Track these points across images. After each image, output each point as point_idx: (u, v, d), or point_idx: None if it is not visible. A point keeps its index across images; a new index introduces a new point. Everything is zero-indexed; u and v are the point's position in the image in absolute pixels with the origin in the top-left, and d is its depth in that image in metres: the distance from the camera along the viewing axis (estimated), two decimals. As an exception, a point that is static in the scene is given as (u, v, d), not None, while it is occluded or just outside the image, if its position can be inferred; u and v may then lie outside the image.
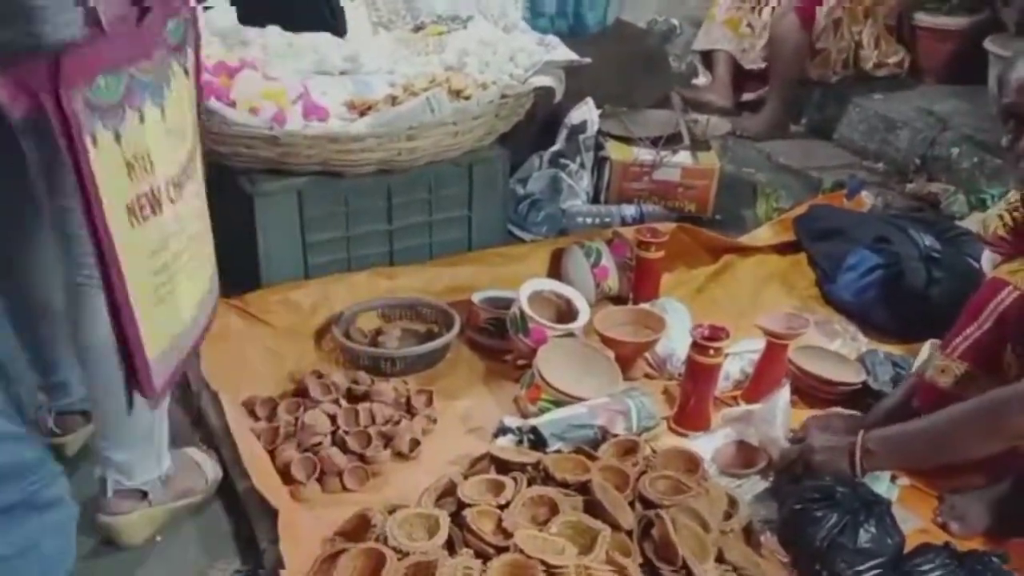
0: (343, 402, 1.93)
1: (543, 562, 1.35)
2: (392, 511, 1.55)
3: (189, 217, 1.43)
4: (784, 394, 1.80)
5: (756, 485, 1.75)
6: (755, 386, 1.99)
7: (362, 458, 1.79)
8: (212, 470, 1.76)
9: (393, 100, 2.28)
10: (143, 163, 1.12)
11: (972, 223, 2.64)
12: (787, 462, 1.69)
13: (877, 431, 1.60)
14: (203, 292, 1.58)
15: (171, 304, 1.37)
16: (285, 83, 2.32)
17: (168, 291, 1.26)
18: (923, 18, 3.61)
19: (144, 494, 1.63)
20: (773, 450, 1.75)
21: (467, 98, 2.26)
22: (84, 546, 1.58)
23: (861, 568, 1.46)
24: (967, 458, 1.59)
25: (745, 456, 1.81)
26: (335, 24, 1.53)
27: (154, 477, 1.63)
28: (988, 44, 3.28)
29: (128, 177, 1.09)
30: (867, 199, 2.85)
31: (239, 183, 2.16)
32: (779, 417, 1.76)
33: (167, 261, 1.28)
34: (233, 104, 2.15)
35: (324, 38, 2.57)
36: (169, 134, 1.30)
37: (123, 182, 1.08)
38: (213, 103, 2.08)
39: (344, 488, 1.76)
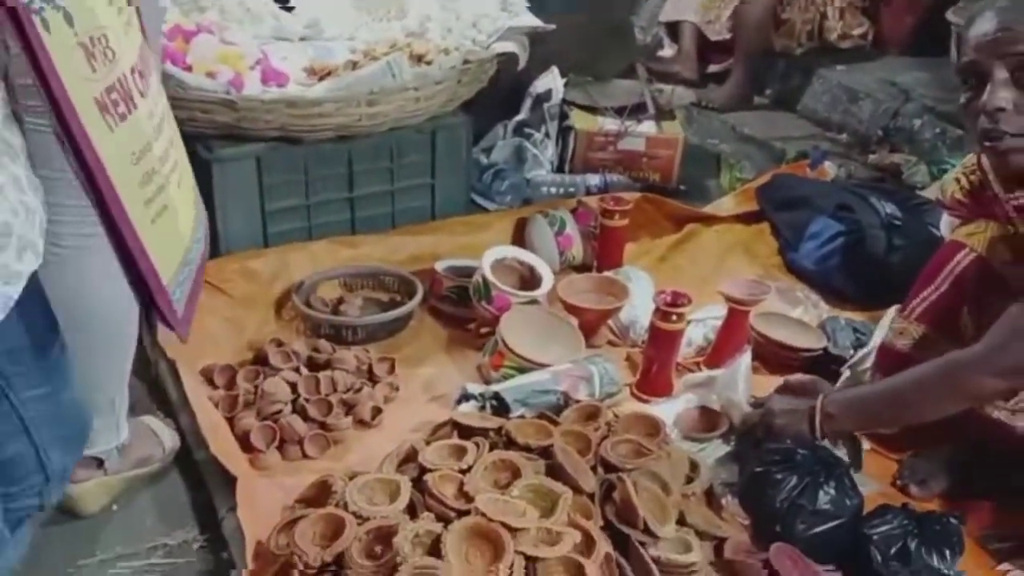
0: (304, 370, 1.91)
1: (504, 524, 1.34)
2: (353, 477, 1.53)
3: (160, 113, 1.24)
4: (745, 359, 1.80)
5: (718, 449, 1.75)
6: (717, 352, 1.99)
7: (323, 426, 1.78)
8: (169, 439, 1.74)
9: (354, 65, 2.24)
10: (102, 48, 0.94)
11: (933, 192, 2.66)
12: (748, 426, 1.69)
13: (837, 394, 1.60)
14: (194, 202, 1.41)
15: (169, 220, 1.19)
16: (243, 48, 2.28)
17: (162, 205, 1.10)
18: (887, -11, 3.62)
19: (100, 462, 1.60)
20: (735, 414, 1.75)
21: (429, 63, 2.23)
22: (38, 516, 1.55)
23: (820, 529, 1.47)
24: (927, 419, 1.59)
25: (707, 421, 1.81)
26: None
27: (112, 446, 1.60)
28: (950, 15, 3.28)
29: (90, 66, 0.94)
30: (830, 169, 2.86)
31: (196, 149, 2.11)
32: (740, 382, 1.76)
33: (154, 167, 1.10)
34: (189, 68, 2.11)
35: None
36: (120, 12, 1.09)
37: (86, 72, 0.91)
38: (169, 67, 2.03)
39: (305, 456, 1.74)
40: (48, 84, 0.86)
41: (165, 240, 1.11)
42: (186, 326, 1.20)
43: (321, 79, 2.19)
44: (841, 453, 1.61)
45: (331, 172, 2.24)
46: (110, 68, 0.96)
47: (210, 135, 2.11)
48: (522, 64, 2.43)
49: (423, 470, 1.52)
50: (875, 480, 1.70)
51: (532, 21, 2.43)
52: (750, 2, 3.46)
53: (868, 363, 1.85)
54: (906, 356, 1.65)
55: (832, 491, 1.48)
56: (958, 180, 1.60)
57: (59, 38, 0.90)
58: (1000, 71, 1.35)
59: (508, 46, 2.35)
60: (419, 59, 2.23)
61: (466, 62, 2.26)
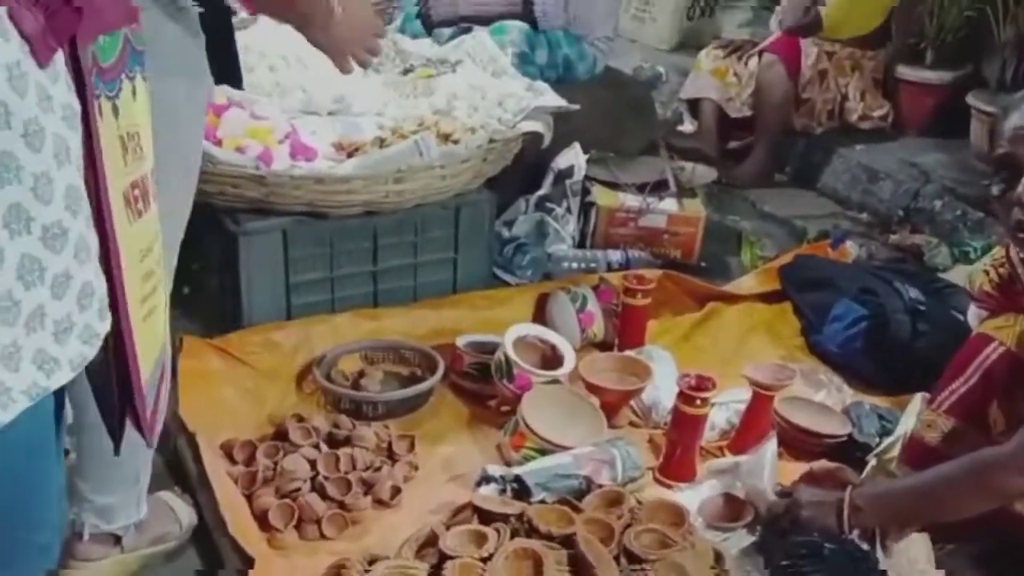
0: (323, 447, 1.90)
1: (526, 619, 1.32)
2: (372, 561, 1.52)
3: (159, 216, 1.21)
4: (771, 446, 1.78)
5: (742, 539, 1.72)
6: (741, 436, 1.97)
7: (342, 505, 1.76)
8: (187, 515, 1.72)
9: (381, 142, 2.27)
10: (135, 144, 0.95)
11: (956, 275, 2.66)
12: (774, 515, 1.67)
13: (866, 488, 1.58)
14: (165, 306, 1.46)
15: (155, 320, 1.18)
16: (272, 122, 2.31)
17: (153, 305, 1.09)
18: (906, 72, 3.67)
19: (118, 539, 1.58)
20: (760, 503, 1.72)
21: (455, 142, 2.25)
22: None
23: (849, 627, 1.44)
24: (955, 517, 1.58)
25: (731, 509, 1.78)
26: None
27: (131, 522, 1.59)
28: (970, 99, 3.33)
29: (123, 160, 0.96)
30: (851, 249, 2.86)
31: (223, 222, 2.14)
32: (767, 470, 1.74)
33: (152, 268, 1.10)
34: (219, 143, 2.14)
35: (312, 78, 2.57)
36: (149, 117, 1.09)
37: (120, 165, 0.93)
38: (199, 141, 2.07)
39: (322, 536, 1.72)
40: (95, 168, 0.88)
41: (148, 339, 1.12)
42: (152, 433, 1.19)
43: (350, 155, 2.22)
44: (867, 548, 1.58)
45: (356, 246, 2.26)
46: (138, 165, 0.98)
47: (238, 208, 2.13)
48: (547, 143, 2.47)
49: (443, 556, 1.50)
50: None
51: (557, 101, 2.47)
52: (771, 82, 3.50)
53: (894, 451, 1.82)
54: (935, 450, 1.63)
55: (861, 588, 1.45)
56: (987, 272, 1.60)
57: (108, 127, 0.92)
58: None
59: (533, 125, 2.38)
60: (446, 137, 2.26)
61: (492, 141, 2.29)
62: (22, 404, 0.82)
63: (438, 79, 2.63)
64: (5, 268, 0.78)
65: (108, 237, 0.90)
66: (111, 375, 0.99)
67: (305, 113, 2.52)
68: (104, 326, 0.91)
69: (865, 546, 1.55)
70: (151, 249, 1.10)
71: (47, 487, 0.95)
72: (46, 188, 0.80)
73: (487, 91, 2.50)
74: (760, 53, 3.57)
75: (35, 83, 0.78)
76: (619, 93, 3.27)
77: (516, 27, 3.00)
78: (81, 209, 0.84)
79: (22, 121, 0.77)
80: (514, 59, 2.86)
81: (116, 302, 0.93)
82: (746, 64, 3.63)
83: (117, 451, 1.22)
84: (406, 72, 2.77)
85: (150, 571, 1.65)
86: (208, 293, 2.30)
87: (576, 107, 2.50)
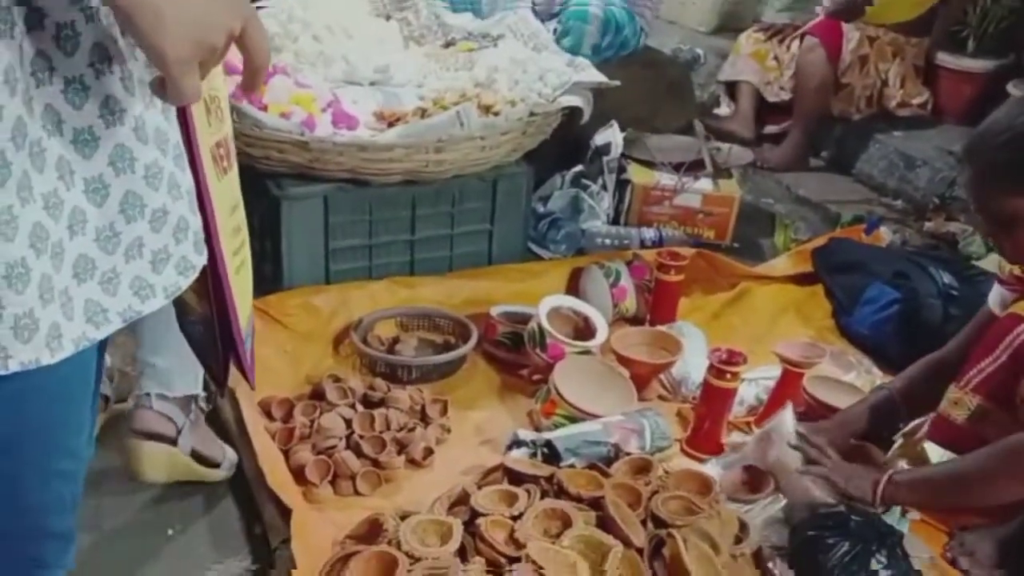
0: (359, 407, 1.94)
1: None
2: (404, 517, 1.56)
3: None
4: (787, 417, 1.80)
5: (765, 511, 1.75)
6: (768, 412, 1.99)
7: (375, 463, 1.80)
8: (232, 454, 1.82)
9: (423, 113, 2.30)
10: (216, 107, 1.01)
11: (989, 263, 2.65)
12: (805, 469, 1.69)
13: (904, 471, 1.64)
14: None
15: (245, 274, 1.22)
16: (315, 90, 2.35)
17: (243, 258, 1.14)
18: (946, 59, 3.64)
19: (177, 431, 1.69)
20: (779, 473, 1.74)
21: (496, 114, 2.28)
22: (87, 539, 1.60)
23: (871, 597, 1.46)
24: (992, 502, 1.62)
25: (753, 481, 1.81)
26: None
27: (192, 394, 1.70)
28: (1011, 88, 3.30)
29: (208, 120, 1.04)
30: (885, 235, 2.86)
31: (267, 186, 2.19)
32: (786, 439, 1.76)
33: (239, 223, 1.15)
34: (265, 108, 2.18)
35: (355, 48, 2.61)
36: (227, 84, 1.12)
37: (204, 124, 1.03)
38: (246, 106, 2.11)
39: (356, 492, 1.77)
40: (187, 123, 0.93)
41: (242, 291, 1.17)
42: (253, 374, 1.27)
43: (391, 125, 2.25)
44: (893, 520, 1.61)
45: (394, 215, 2.30)
46: (219, 127, 1.03)
47: (282, 173, 2.18)
48: (586, 118, 2.48)
49: (474, 514, 1.55)
50: (925, 549, 1.68)
51: (597, 77, 2.49)
52: (810, 66, 3.49)
53: (921, 432, 1.84)
54: (961, 428, 1.64)
55: (884, 560, 1.47)
56: (1019, 257, 1.61)
57: None
58: None
59: (573, 100, 2.40)
60: (487, 110, 2.29)
61: (532, 114, 2.32)
62: (116, 325, 0.88)
63: (480, 52, 2.66)
64: (109, 203, 0.84)
65: (202, 183, 0.96)
66: (214, 322, 1.05)
67: (347, 83, 2.56)
68: (200, 259, 0.97)
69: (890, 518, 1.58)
70: (237, 206, 1.16)
71: (79, 430, 1.00)
72: (142, 129, 0.86)
73: (528, 65, 2.52)
74: (801, 36, 3.56)
75: None
76: (658, 73, 3.27)
77: (595, 16, 2.99)
78: (169, 150, 0.89)
79: (119, 66, 0.82)
80: (590, 49, 2.88)
81: (212, 246, 0.99)
82: (787, 48, 3.62)
83: (222, 394, 1.27)
84: (447, 45, 2.79)
85: (189, 518, 1.71)
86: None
87: (616, 83, 2.52)
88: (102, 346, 1.02)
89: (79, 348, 0.84)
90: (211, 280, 1.00)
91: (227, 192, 1.07)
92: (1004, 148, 1.44)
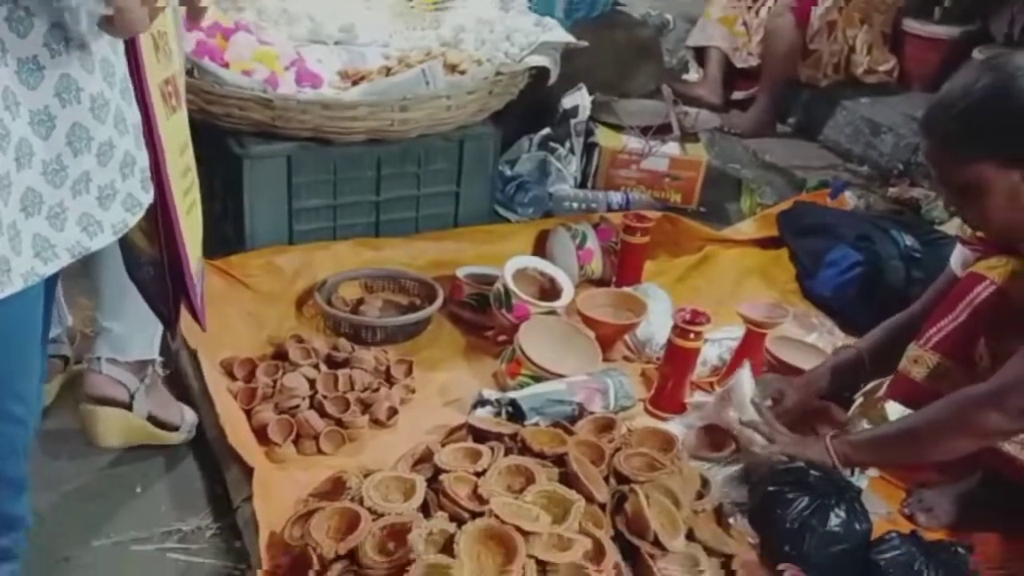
0: (323, 367, 1.93)
1: (517, 527, 1.36)
2: (367, 474, 1.56)
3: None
4: (744, 377, 1.81)
5: (727, 468, 1.77)
6: (731, 372, 2.00)
7: (339, 423, 1.80)
8: (191, 416, 1.80)
9: (388, 71, 2.28)
10: (164, 44, 1.01)
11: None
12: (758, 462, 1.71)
13: (854, 435, 1.66)
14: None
15: (195, 215, 1.23)
16: (279, 48, 2.31)
17: (193, 199, 1.12)
18: (913, 25, 3.65)
19: (130, 396, 1.67)
20: (739, 433, 1.76)
21: (462, 73, 2.26)
22: (46, 500, 1.60)
23: (829, 551, 1.48)
24: (941, 457, 1.64)
25: (714, 439, 1.82)
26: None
27: (148, 359, 1.68)
28: (976, 54, 3.32)
29: (156, 57, 1.02)
30: (850, 199, 2.87)
31: (228, 144, 2.15)
32: (747, 397, 1.77)
33: (189, 163, 1.15)
34: (226, 65, 2.14)
35: (319, 5, 2.57)
36: (173, 21, 1.13)
37: (153, 60, 1.00)
38: (207, 62, 2.07)
39: (320, 451, 1.76)
40: (136, 57, 0.92)
41: (192, 232, 1.16)
42: (204, 317, 1.26)
43: (355, 83, 2.22)
44: (853, 479, 1.63)
45: (359, 175, 2.27)
46: (167, 64, 1.01)
47: (244, 131, 2.14)
48: (553, 79, 2.46)
49: (438, 471, 1.54)
50: (883, 506, 1.71)
51: (565, 37, 2.46)
52: (779, 31, 3.49)
53: (881, 391, 1.86)
54: (920, 385, 1.66)
55: (843, 514, 1.49)
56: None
57: None
58: None
59: (540, 60, 2.38)
60: (452, 68, 2.27)
61: (498, 73, 2.29)
62: (64, 260, 0.87)
63: (447, 11, 2.62)
64: (55, 135, 0.82)
65: (152, 119, 0.95)
66: (163, 263, 1.03)
67: (312, 42, 2.52)
68: (147, 197, 0.95)
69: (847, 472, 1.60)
70: (187, 145, 1.15)
71: (28, 374, 0.98)
72: (88, 59, 0.84)
73: (495, 25, 2.50)
74: (772, 2, 3.55)
75: None
76: (627, 37, 3.25)
77: None
78: (116, 83, 0.87)
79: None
80: (561, 12, 2.86)
81: (163, 184, 0.97)
82: (756, 13, 3.61)
83: (174, 336, 1.25)
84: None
85: (151, 478, 1.70)
86: (211, 215, 2.29)
87: (584, 44, 2.50)
88: (50, 291, 1.01)
89: (28, 284, 0.82)
90: (161, 219, 0.98)
91: (177, 131, 1.05)
92: (959, 118, 1.44)
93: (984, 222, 1.53)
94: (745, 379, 1.78)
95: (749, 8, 3.65)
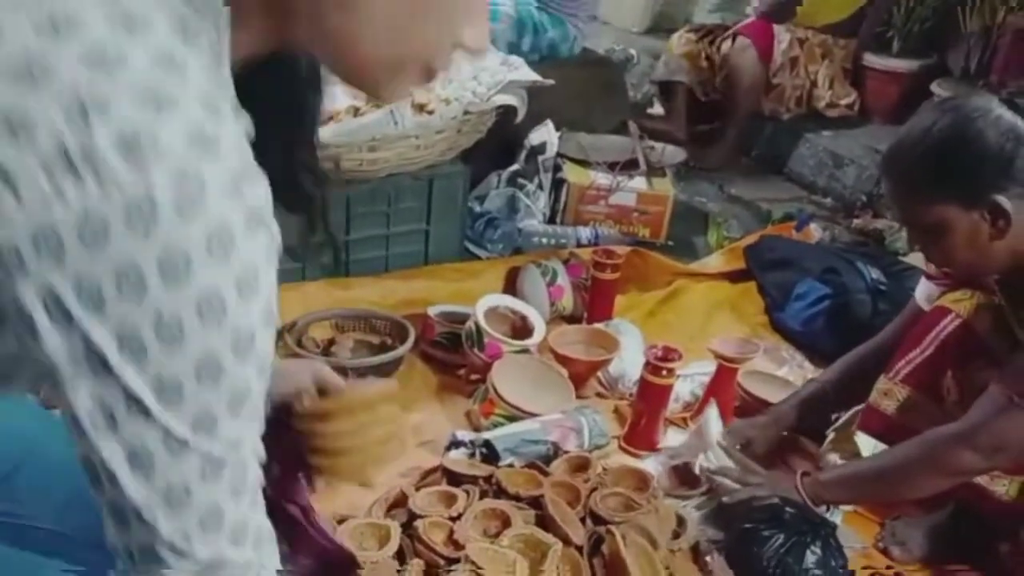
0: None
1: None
2: (341, 521, 1.54)
3: None
4: (711, 417, 1.82)
5: (702, 506, 1.77)
6: (704, 408, 2.01)
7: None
8: None
9: (356, 111, 2.28)
10: None
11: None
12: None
13: (826, 474, 1.66)
14: None
15: None
16: (246, 89, 2.31)
17: None
18: (872, 59, 3.73)
19: None
20: (716, 480, 1.76)
21: (430, 113, 2.27)
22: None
23: (806, 588, 1.49)
24: (913, 496, 1.66)
25: (689, 477, 1.82)
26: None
27: None
28: (935, 87, 3.40)
29: None
30: (815, 232, 2.91)
31: (196, 186, 2.13)
32: (713, 438, 1.78)
33: None
34: (194, 106, 2.13)
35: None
36: None
37: None
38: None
39: (292, 497, 1.73)
40: None
41: None
42: None
43: (324, 124, 2.22)
44: (827, 514, 1.64)
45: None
46: None
47: (211, 173, 2.12)
48: (520, 117, 2.48)
49: (413, 516, 1.53)
50: (858, 540, 1.72)
51: (531, 76, 2.49)
52: (742, 66, 3.55)
53: (854, 425, 1.87)
54: (890, 418, 1.68)
55: (819, 551, 1.50)
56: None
57: None
58: None
59: (507, 99, 2.40)
60: (421, 108, 2.27)
61: (466, 112, 2.31)
62: None
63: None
64: None
65: None
66: None
67: (279, 82, 2.52)
68: None
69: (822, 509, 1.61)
70: None
71: None
72: None
73: (462, 64, 2.51)
74: (734, 36, 3.61)
75: None
76: (592, 72, 3.29)
77: (506, 15, 2.99)
78: None
79: None
80: (504, 47, 2.87)
81: None
82: (719, 48, 3.67)
83: None
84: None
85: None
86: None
87: (550, 82, 2.53)
88: None
89: None
90: None
91: None
92: (920, 161, 1.45)
93: (948, 260, 1.56)
94: (712, 419, 1.79)
95: (712, 43, 3.71)
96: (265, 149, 0.67)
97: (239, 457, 0.67)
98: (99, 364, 0.59)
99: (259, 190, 0.63)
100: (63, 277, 0.57)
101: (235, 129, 0.63)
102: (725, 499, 1.68)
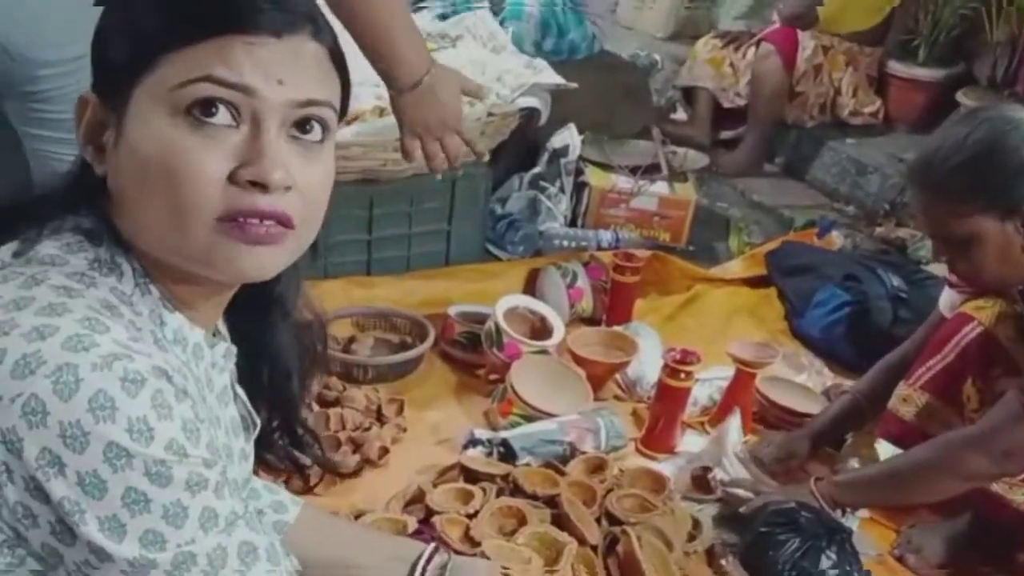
0: (314, 406, 1.92)
1: (509, 571, 1.36)
2: (359, 516, 1.55)
3: None
4: (733, 426, 1.82)
5: (718, 510, 1.77)
6: (722, 412, 2.01)
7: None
8: None
9: (380, 111, 2.29)
10: None
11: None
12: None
13: (841, 477, 1.66)
14: None
15: None
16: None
17: None
18: (897, 67, 3.71)
19: None
20: (731, 492, 1.76)
21: (454, 114, 2.27)
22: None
23: (821, 593, 1.49)
24: (929, 499, 1.65)
25: (705, 481, 1.82)
26: None
27: None
28: (960, 97, 3.38)
29: None
30: (837, 239, 2.91)
31: (221, 183, 2.16)
32: (730, 448, 1.78)
33: None
34: (220, 105, 2.16)
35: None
36: None
37: None
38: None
39: (311, 491, 1.75)
40: None
41: None
42: None
43: (348, 123, 2.24)
44: (843, 519, 1.63)
45: (351, 213, 2.28)
46: None
47: (237, 171, 2.15)
48: (543, 119, 2.49)
49: (430, 512, 1.54)
50: (873, 547, 1.71)
51: (555, 79, 2.49)
52: (766, 74, 3.54)
53: (874, 430, 1.87)
54: (909, 424, 1.68)
55: (834, 556, 1.50)
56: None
57: None
58: None
59: (531, 101, 2.41)
60: (445, 109, 2.28)
61: (490, 114, 2.32)
62: None
63: (438, 53, 2.65)
64: None
65: None
66: None
67: (305, 81, 2.54)
68: None
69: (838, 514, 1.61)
70: None
71: None
72: None
73: (486, 66, 2.52)
74: (758, 43, 3.61)
75: None
76: (615, 77, 3.29)
77: (530, 14, 3.01)
78: None
79: None
80: (531, 47, 2.89)
81: None
82: (743, 55, 3.67)
83: None
84: (406, 45, 2.78)
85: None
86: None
87: (574, 85, 2.53)
88: None
89: None
90: None
91: None
92: (956, 171, 1.43)
93: (976, 272, 1.53)
94: (733, 428, 1.79)
95: (736, 50, 3.71)
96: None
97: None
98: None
99: (136, 364, 0.74)
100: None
101: (121, 334, 0.75)
102: (742, 509, 1.68)
